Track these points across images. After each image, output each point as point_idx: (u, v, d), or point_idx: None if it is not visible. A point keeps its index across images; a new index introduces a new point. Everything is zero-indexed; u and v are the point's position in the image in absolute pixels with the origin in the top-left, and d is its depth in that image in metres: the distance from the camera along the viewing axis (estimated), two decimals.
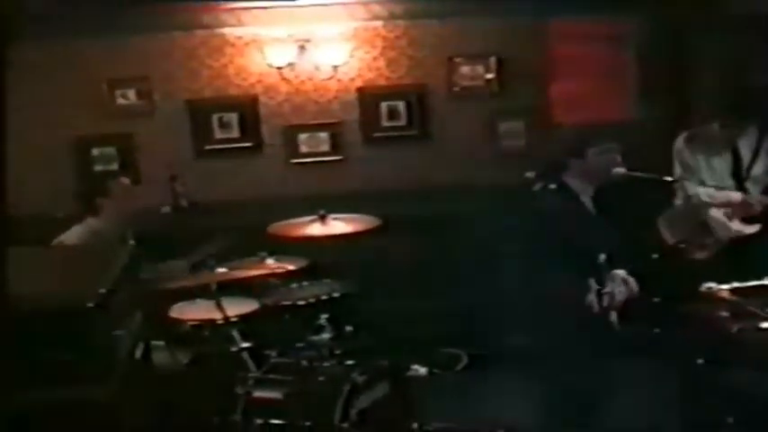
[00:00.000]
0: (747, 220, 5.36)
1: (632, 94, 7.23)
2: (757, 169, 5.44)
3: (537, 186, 4.68)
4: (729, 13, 6.60)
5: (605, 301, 4.29)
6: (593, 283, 4.31)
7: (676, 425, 4.26)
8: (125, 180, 5.71)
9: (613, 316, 4.37)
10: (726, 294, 4.16)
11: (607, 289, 4.31)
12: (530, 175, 5.78)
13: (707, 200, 5.40)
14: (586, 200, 4.65)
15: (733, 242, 5.36)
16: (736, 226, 5.36)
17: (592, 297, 4.30)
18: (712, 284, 4.20)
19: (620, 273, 4.44)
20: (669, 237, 5.53)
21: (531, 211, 4.63)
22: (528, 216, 4.64)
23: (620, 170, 4.59)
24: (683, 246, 5.44)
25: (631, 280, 4.44)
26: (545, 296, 4.37)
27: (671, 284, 4.71)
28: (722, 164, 5.46)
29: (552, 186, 4.61)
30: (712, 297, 4.17)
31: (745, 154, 5.45)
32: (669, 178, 5.07)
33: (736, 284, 4.20)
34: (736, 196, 5.37)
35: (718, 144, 5.47)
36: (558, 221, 4.43)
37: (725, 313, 4.03)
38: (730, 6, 6.66)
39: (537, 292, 4.40)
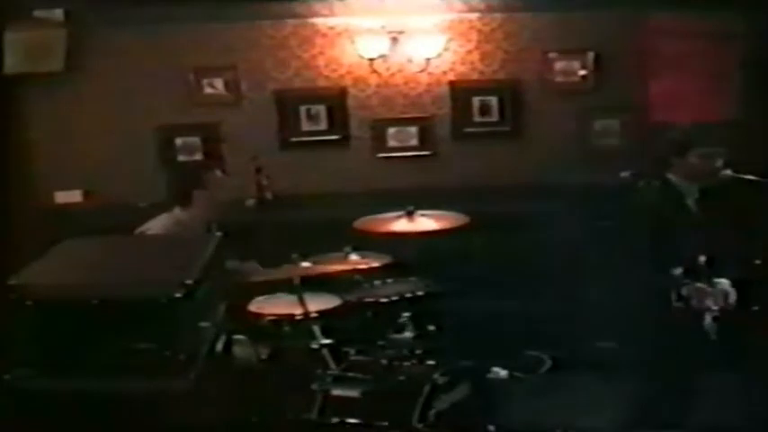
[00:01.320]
0: None
1: (737, 93, 7.16)
2: None
3: (641, 182, 4.69)
4: None
5: (696, 302, 4.30)
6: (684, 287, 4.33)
7: None
8: (219, 172, 5.84)
9: (708, 323, 4.36)
10: None
11: (704, 298, 4.32)
12: (625, 174, 5.82)
13: None
14: (690, 200, 4.64)
15: None
16: None
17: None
18: None
19: (723, 281, 4.44)
20: None
21: (630, 209, 4.63)
22: (623, 215, 4.64)
23: (727, 172, 4.57)
24: None
25: (731, 290, 4.43)
26: (635, 298, 4.39)
27: None
28: None
29: (656, 183, 4.62)
30: None
31: None
32: None
33: None
34: None
35: None
36: (659, 220, 4.45)
37: None
38: None
39: (627, 294, 4.42)
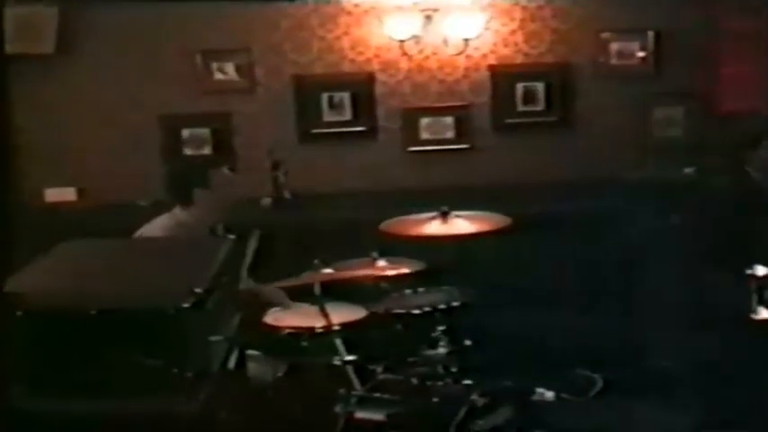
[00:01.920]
0: None
1: None
2: None
3: (711, 177, 4.70)
4: None
5: None
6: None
7: None
8: (227, 170, 5.83)
9: None
10: None
11: None
12: (689, 170, 5.84)
13: None
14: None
15: None
16: None
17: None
18: None
19: None
20: None
21: (699, 207, 4.64)
22: (690, 214, 4.65)
23: None
24: None
25: None
26: (705, 309, 4.39)
27: None
28: None
29: (727, 178, 4.62)
30: None
31: None
32: None
33: None
34: None
35: None
36: (733, 218, 4.45)
37: None
38: None
39: (695, 305, 4.41)
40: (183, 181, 5.65)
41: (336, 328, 5.19)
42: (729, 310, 4.37)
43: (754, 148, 4.62)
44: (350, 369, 5.07)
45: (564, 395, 5.97)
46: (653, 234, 4.84)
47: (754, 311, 4.30)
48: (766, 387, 4.37)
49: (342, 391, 4.87)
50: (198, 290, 3.55)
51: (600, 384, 6.25)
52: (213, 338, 3.89)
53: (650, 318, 4.72)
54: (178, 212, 5.53)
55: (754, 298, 4.34)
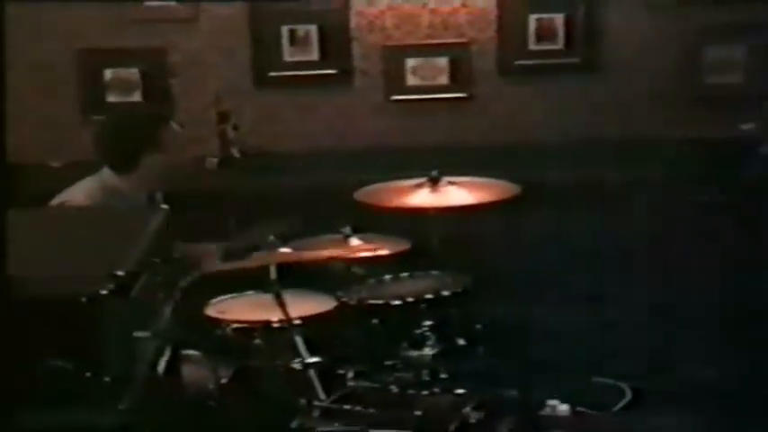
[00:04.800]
0: None
1: None
2: None
3: (765, 148, 4.70)
4: None
5: None
6: None
7: None
8: (177, 125, 5.84)
9: None
10: None
11: None
12: (748, 126, 5.89)
13: None
14: None
15: None
16: None
17: None
18: None
19: None
20: None
21: (743, 184, 4.67)
22: (736, 189, 4.67)
23: None
24: None
25: None
26: (748, 309, 4.43)
27: None
28: None
29: None
30: None
31: None
32: None
33: None
34: None
35: None
36: None
37: None
38: None
39: (737, 303, 4.45)
40: (128, 142, 5.66)
41: (297, 322, 5.27)
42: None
43: None
44: (313, 374, 5.14)
45: (582, 409, 6.06)
46: (696, 211, 4.83)
47: None
48: None
49: (302, 401, 4.92)
50: (120, 272, 3.58)
51: (629, 395, 6.34)
52: (139, 334, 3.94)
53: (687, 317, 4.74)
54: (107, 176, 5.59)
55: None
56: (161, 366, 4.35)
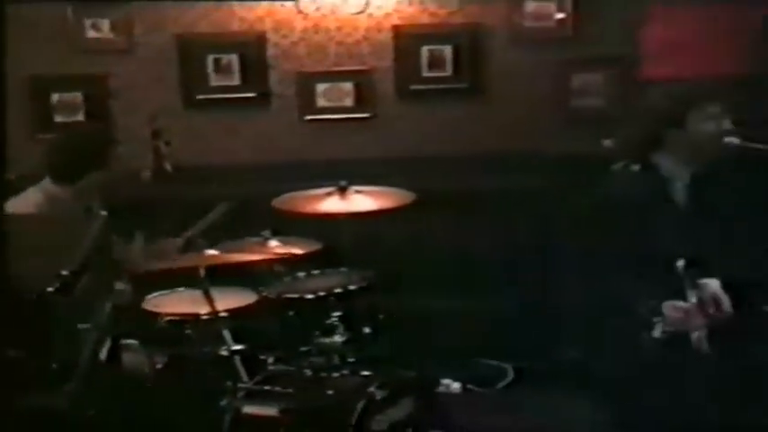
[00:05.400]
0: None
1: (750, 43, 7.20)
2: None
3: (616, 165, 4.67)
4: None
5: (671, 323, 4.31)
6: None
7: None
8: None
9: (698, 337, 4.31)
10: None
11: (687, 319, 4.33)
12: (608, 142, 5.87)
13: None
14: (679, 187, 4.61)
15: None
16: None
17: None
18: None
19: (713, 284, 4.41)
20: None
21: (605, 195, 4.62)
22: (601, 199, 4.63)
23: (733, 140, 4.50)
24: None
25: (725, 297, 4.38)
26: (612, 304, 4.39)
27: None
28: None
29: (635, 167, 4.58)
30: None
31: None
32: None
33: None
34: None
35: None
36: (638, 213, 4.43)
37: None
38: None
39: (603, 298, 4.41)
40: (77, 158, 5.52)
41: (223, 314, 5.18)
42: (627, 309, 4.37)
43: (677, 124, 4.52)
44: (237, 360, 5.07)
45: (471, 386, 6.04)
46: (567, 214, 4.80)
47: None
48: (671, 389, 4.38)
49: (228, 384, 4.89)
50: (64, 272, 3.50)
51: (511, 375, 6.34)
52: (82, 326, 3.84)
53: (560, 307, 4.71)
54: (49, 186, 5.44)
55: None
56: (103, 354, 4.26)
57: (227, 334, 5.12)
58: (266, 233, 5.61)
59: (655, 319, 4.24)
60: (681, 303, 4.31)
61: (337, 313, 5.31)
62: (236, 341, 5.12)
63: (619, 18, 7.14)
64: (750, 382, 4.36)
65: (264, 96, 7.32)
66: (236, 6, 7.17)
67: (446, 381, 5.99)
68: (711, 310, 4.34)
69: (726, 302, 4.39)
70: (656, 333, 4.24)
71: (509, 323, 6.19)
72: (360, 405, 4.65)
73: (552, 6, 7.24)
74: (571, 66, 7.33)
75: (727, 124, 4.58)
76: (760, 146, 4.54)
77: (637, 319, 4.29)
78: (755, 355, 4.42)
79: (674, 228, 4.50)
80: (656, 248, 4.39)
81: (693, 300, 4.33)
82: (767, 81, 6.86)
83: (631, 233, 4.36)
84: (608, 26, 7.18)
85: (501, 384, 6.28)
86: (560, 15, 7.23)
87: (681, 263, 4.34)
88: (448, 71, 7.30)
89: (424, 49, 7.27)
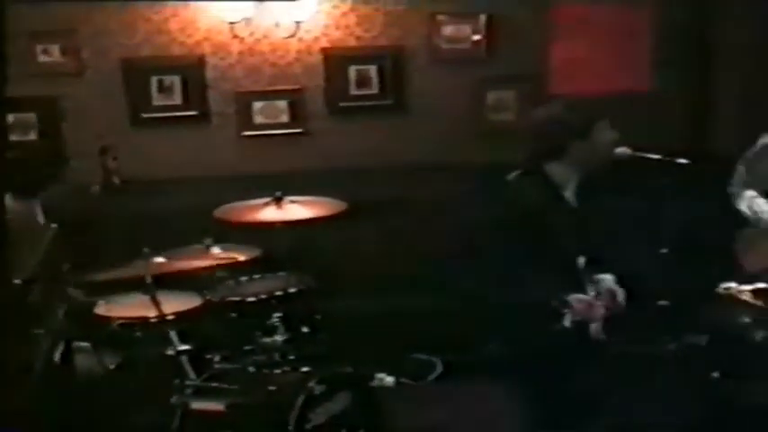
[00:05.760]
0: None
1: (647, 62, 7.26)
2: None
3: (512, 175, 4.65)
4: None
5: (577, 314, 4.32)
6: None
7: None
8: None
9: (596, 328, 4.34)
10: (748, 297, 4.17)
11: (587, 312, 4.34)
12: (622, 150, 5.81)
13: None
14: (569, 192, 4.58)
15: None
16: None
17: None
18: (732, 284, 4.22)
19: (608, 279, 4.47)
20: (752, 263, 5.34)
21: (509, 202, 4.61)
22: (509, 205, 4.62)
23: (625, 150, 4.50)
24: None
25: (620, 290, 4.45)
26: (523, 301, 4.39)
27: (684, 284, 4.75)
28: None
29: (529, 175, 4.57)
30: (732, 300, 4.19)
31: None
32: (683, 161, 4.66)
33: (761, 285, 4.21)
34: None
35: None
36: (535, 216, 4.42)
37: (747, 319, 4.06)
38: None
39: (515, 296, 4.41)
40: (32, 176, 5.47)
41: (170, 317, 5.10)
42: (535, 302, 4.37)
43: (582, 136, 4.49)
44: (184, 359, 4.96)
45: (404, 380, 6.00)
46: (485, 220, 4.77)
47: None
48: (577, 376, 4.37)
49: (177, 382, 4.81)
50: (17, 281, 3.41)
51: (439, 368, 6.31)
52: (36, 331, 3.73)
53: (486, 305, 4.68)
54: (7, 200, 5.34)
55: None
56: (57, 357, 4.16)
57: (174, 335, 5.02)
58: (208, 241, 5.51)
59: (564, 311, 4.24)
60: (584, 296, 4.33)
61: (277, 314, 5.24)
62: (183, 342, 5.02)
63: (529, 39, 7.18)
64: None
65: (205, 115, 7.26)
66: (176, 32, 7.08)
67: (380, 375, 5.94)
68: (608, 303, 4.38)
69: (620, 295, 4.45)
70: (567, 323, 4.25)
71: (436, 320, 6.16)
72: (300, 399, 4.58)
73: (468, 29, 7.28)
74: (486, 83, 7.37)
75: (617, 135, 4.56)
76: (649, 155, 4.55)
77: (548, 311, 4.29)
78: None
79: (570, 228, 4.48)
80: (559, 247, 4.40)
81: (592, 293, 4.39)
82: (659, 97, 7.02)
83: (537, 233, 4.35)
84: (519, 47, 7.21)
85: (431, 377, 6.25)
86: (476, 37, 7.28)
87: (582, 260, 4.40)
88: (374, 89, 7.31)
89: (352, 69, 7.27)
